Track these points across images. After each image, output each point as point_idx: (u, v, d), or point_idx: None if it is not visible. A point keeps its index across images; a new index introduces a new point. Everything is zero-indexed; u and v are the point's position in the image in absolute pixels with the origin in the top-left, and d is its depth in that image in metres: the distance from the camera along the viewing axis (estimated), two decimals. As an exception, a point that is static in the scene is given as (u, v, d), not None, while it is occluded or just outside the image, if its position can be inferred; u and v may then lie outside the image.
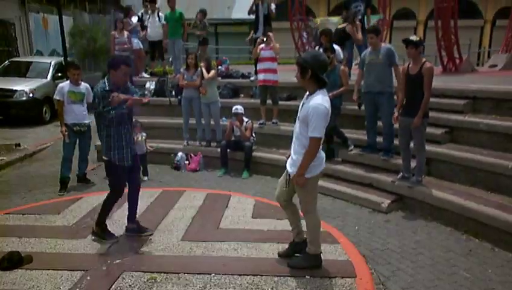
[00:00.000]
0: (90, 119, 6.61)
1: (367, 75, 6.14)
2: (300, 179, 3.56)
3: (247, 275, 3.72)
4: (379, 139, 6.30)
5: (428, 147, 5.57)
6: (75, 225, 4.86)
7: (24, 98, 10.97)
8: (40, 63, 12.85)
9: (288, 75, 11.03)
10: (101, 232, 4.43)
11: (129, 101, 4.15)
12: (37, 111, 11.25)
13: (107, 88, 4.17)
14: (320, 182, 6.26)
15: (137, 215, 4.67)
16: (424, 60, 5.23)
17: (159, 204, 5.53)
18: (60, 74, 12.03)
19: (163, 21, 10.19)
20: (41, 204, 5.60)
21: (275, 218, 5.00)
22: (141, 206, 5.39)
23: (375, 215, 5.38)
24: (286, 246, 4.13)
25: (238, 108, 7.35)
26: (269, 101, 7.89)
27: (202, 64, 7.65)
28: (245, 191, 6.32)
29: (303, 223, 3.93)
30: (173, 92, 9.18)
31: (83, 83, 6.57)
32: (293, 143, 3.71)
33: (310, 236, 3.80)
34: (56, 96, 6.40)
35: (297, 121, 3.66)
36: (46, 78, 11.92)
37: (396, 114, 5.49)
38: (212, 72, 7.56)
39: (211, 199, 5.75)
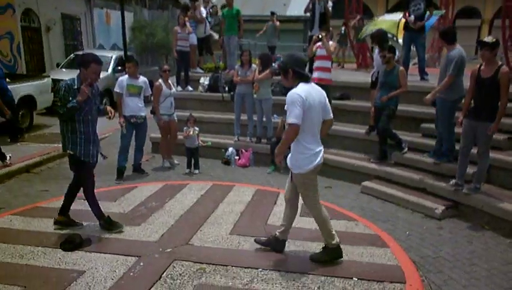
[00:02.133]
0: (146, 112, 6.89)
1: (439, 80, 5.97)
2: (277, 158, 3.71)
3: (294, 272, 3.73)
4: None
5: (490, 154, 5.30)
6: (129, 213, 5.09)
7: (86, 90, 11.54)
8: (101, 57, 13.42)
9: (341, 74, 10.84)
10: (63, 220, 4.57)
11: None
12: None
13: (75, 86, 4.14)
14: (371, 184, 6.22)
15: (186, 207, 4.70)
16: (499, 63, 4.95)
17: (209, 197, 5.66)
18: (119, 68, 12.57)
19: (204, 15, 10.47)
20: (99, 191, 5.88)
21: (323, 218, 4.96)
22: (192, 198, 5.58)
23: (428, 221, 5.21)
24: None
25: (290, 105, 7.32)
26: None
27: (257, 62, 7.70)
28: (294, 189, 6.31)
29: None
30: (226, 88, 9.33)
31: (141, 76, 6.84)
32: None
33: (322, 231, 3.84)
34: (116, 89, 6.72)
35: None
36: (107, 71, 12.49)
37: (460, 118, 5.23)
38: (266, 72, 7.54)
39: (259, 195, 5.81)
